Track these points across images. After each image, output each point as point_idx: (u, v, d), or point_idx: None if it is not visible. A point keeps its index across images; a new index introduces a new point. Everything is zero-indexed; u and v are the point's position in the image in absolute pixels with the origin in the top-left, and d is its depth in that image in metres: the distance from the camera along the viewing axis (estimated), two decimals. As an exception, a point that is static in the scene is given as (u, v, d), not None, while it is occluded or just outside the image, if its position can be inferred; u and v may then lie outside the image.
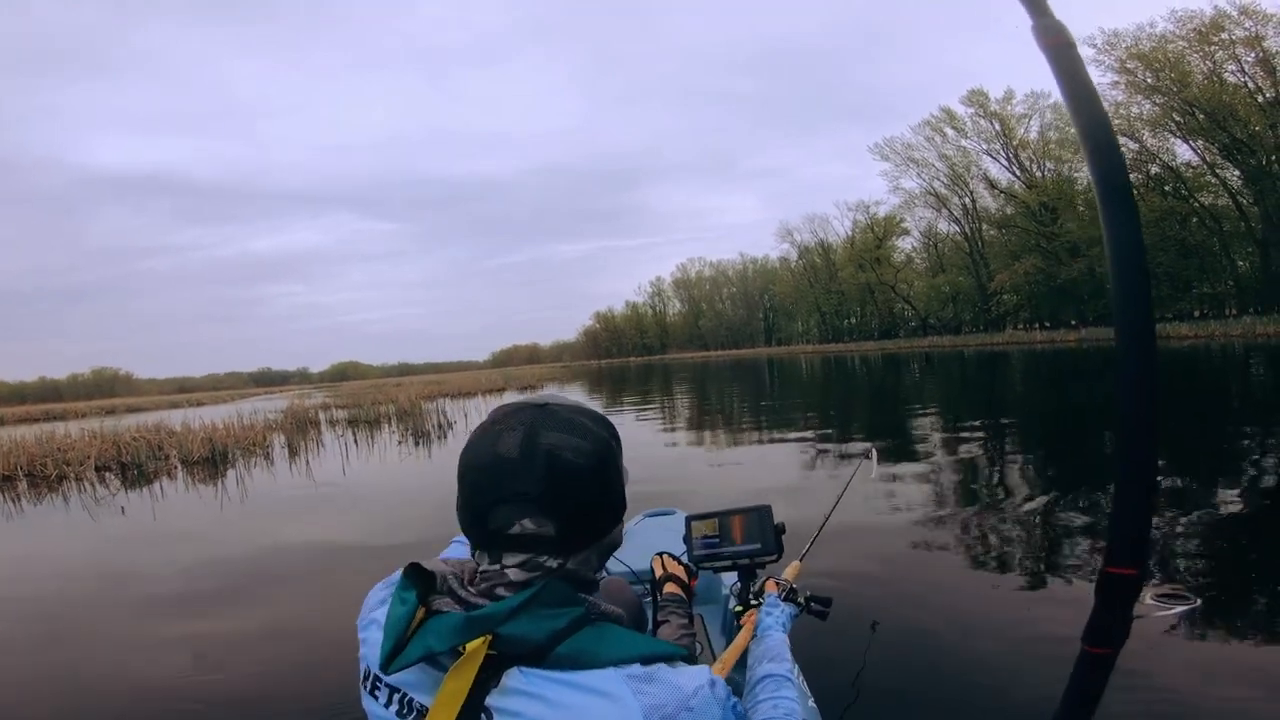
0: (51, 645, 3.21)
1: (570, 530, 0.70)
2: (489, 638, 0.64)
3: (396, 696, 0.70)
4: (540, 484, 0.68)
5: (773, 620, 1.08)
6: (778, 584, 1.22)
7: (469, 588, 0.71)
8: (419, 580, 0.70)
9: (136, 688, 2.66)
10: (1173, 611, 2.51)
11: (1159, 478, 4.68)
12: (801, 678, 1.52)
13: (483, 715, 0.64)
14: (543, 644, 0.64)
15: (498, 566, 0.71)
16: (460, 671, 0.64)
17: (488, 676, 0.65)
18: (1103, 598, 0.80)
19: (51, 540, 5.89)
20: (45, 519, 6.93)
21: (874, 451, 2.36)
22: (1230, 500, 4.02)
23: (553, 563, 0.70)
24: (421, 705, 0.68)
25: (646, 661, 0.66)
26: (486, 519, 0.70)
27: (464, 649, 0.64)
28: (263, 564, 4.41)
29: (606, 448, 0.74)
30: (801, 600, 1.23)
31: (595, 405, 0.80)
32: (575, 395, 21.27)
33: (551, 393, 0.85)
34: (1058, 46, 0.80)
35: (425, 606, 0.69)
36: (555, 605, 0.67)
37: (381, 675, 0.71)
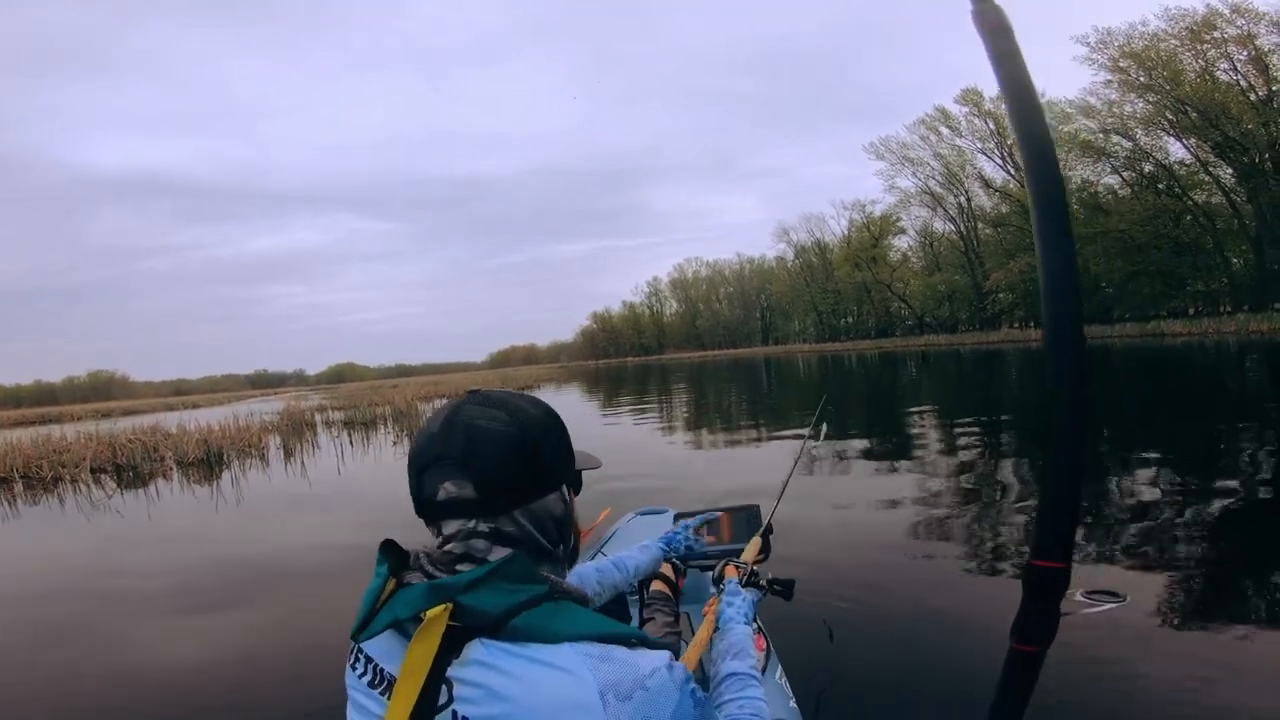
0: (49, 646, 3.22)
1: (487, 491, 0.72)
2: (449, 606, 0.66)
3: (370, 666, 0.73)
4: (456, 447, 0.72)
5: (734, 612, 1.04)
6: (738, 568, 1.18)
7: (436, 565, 0.73)
8: (392, 556, 0.73)
9: (133, 688, 2.68)
10: (1103, 608, 2.51)
11: (1105, 472, 4.72)
12: (785, 679, 1.51)
13: (444, 685, 0.66)
14: (500, 616, 0.66)
15: (440, 538, 0.75)
16: (422, 639, 0.65)
17: (450, 648, 0.66)
18: (1030, 592, 0.80)
19: (47, 542, 5.90)
20: (41, 521, 6.93)
21: (824, 425, 2.36)
22: (1174, 497, 4.06)
23: (483, 526, 0.72)
24: (391, 675, 0.70)
25: (604, 640, 0.68)
26: (421, 489, 0.74)
27: (425, 616, 0.65)
28: (258, 564, 4.42)
29: (530, 419, 0.76)
30: (763, 583, 1.19)
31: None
32: (571, 396, 21.30)
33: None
34: (995, 30, 0.79)
35: (397, 579, 0.72)
36: (517, 580, 0.69)
37: (361, 646, 0.74)
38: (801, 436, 2.17)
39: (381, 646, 0.72)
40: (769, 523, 1.41)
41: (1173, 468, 4.93)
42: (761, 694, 0.86)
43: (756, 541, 1.31)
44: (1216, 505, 3.85)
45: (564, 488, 0.80)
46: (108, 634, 3.34)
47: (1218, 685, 2.01)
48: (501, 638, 0.66)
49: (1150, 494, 4.19)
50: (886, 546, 3.55)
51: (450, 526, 0.73)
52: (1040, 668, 0.79)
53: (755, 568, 1.20)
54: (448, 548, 0.73)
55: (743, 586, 1.13)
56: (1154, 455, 5.37)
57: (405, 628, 0.69)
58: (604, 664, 0.65)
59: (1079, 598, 2.58)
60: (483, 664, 0.65)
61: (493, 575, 0.68)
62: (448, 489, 0.72)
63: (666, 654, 0.70)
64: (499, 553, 0.72)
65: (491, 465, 0.72)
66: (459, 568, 0.72)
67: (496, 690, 0.64)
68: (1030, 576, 0.79)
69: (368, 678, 0.72)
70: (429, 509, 0.74)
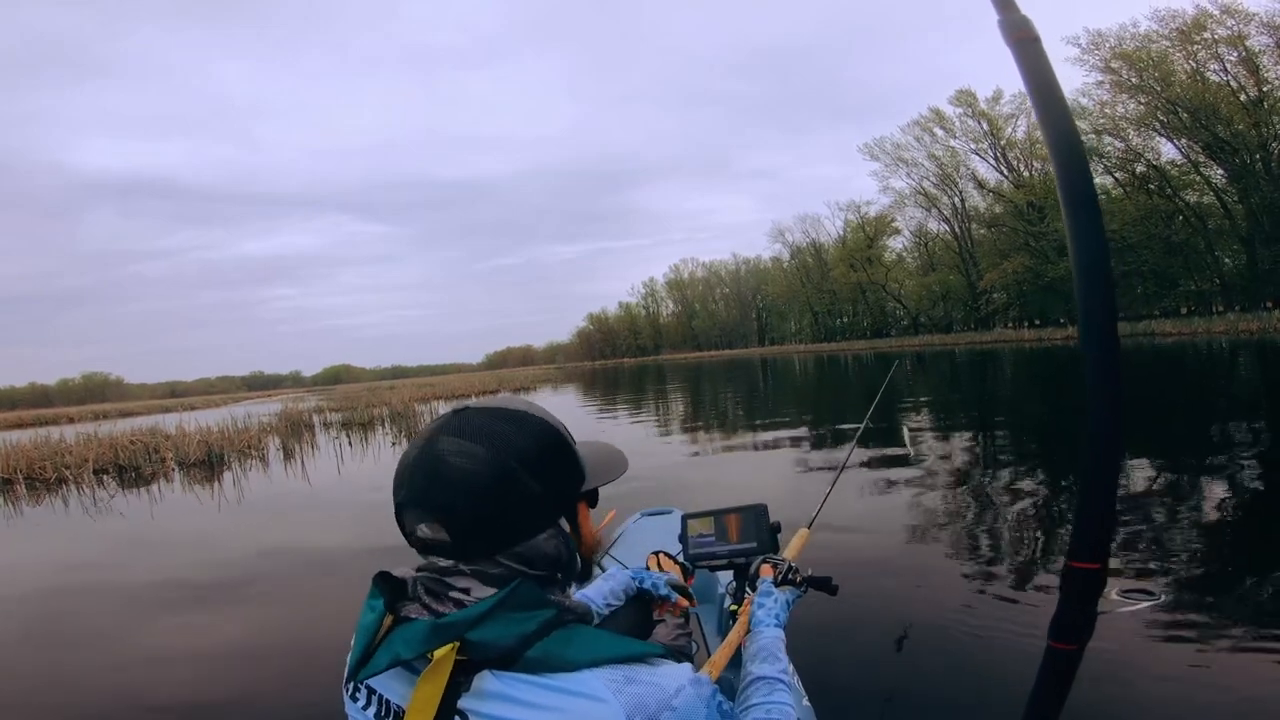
0: (51, 645, 3.24)
1: (462, 538, 0.68)
2: (457, 645, 0.63)
3: (375, 699, 0.70)
4: (426, 490, 0.68)
5: (764, 614, 1.01)
6: (774, 567, 1.14)
7: (435, 595, 0.70)
8: (387, 588, 0.70)
9: (133, 689, 2.69)
10: (1138, 607, 2.50)
11: (1129, 472, 4.79)
12: (796, 677, 1.51)
13: (457, 718, 0.64)
14: (513, 648, 0.64)
15: (430, 571, 0.72)
16: (431, 678, 0.63)
17: (459, 680, 0.64)
18: (1067, 593, 0.81)
19: (50, 542, 5.91)
20: (45, 521, 6.95)
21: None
22: (1199, 496, 4.06)
23: (465, 568, 0.69)
24: (399, 708, 0.68)
25: (623, 662, 0.66)
26: (402, 524, 0.71)
27: (432, 656, 0.63)
28: (259, 566, 4.44)
29: (512, 451, 0.69)
30: (801, 580, 1.13)
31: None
32: (568, 397, 21.25)
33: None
34: (1023, 41, 0.80)
35: (394, 614, 0.69)
36: (525, 608, 0.67)
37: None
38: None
39: (386, 679, 0.70)
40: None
41: (1183, 466, 4.95)
42: (789, 699, 0.84)
43: (804, 533, 1.26)
44: (1234, 502, 3.86)
45: (561, 521, 0.75)
46: (111, 633, 3.35)
47: (1258, 679, 2.00)
48: (515, 669, 0.64)
49: (1164, 492, 4.18)
50: (896, 544, 3.58)
51: (437, 561, 0.71)
52: (1077, 666, 0.80)
53: (794, 564, 1.16)
54: (440, 579, 0.70)
55: (778, 585, 1.11)
56: (1161, 453, 5.36)
57: (412, 663, 0.66)
58: (628, 686, 0.63)
59: (1114, 596, 2.57)
60: (500, 696, 0.63)
61: (500, 606, 0.66)
62: (424, 530, 0.69)
63: (688, 668, 0.69)
64: (487, 592, 0.68)
65: (464, 512, 0.67)
66: (455, 594, 0.69)
67: None
68: (1067, 577, 0.80)
69: (373, 710, 0.70)
70: (411, 543, 0.72)
